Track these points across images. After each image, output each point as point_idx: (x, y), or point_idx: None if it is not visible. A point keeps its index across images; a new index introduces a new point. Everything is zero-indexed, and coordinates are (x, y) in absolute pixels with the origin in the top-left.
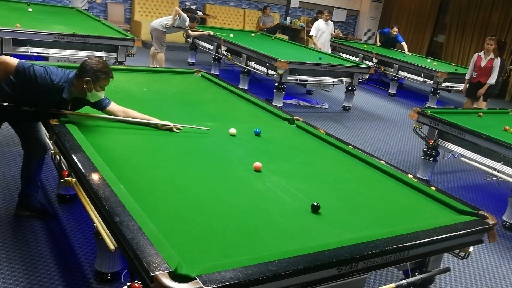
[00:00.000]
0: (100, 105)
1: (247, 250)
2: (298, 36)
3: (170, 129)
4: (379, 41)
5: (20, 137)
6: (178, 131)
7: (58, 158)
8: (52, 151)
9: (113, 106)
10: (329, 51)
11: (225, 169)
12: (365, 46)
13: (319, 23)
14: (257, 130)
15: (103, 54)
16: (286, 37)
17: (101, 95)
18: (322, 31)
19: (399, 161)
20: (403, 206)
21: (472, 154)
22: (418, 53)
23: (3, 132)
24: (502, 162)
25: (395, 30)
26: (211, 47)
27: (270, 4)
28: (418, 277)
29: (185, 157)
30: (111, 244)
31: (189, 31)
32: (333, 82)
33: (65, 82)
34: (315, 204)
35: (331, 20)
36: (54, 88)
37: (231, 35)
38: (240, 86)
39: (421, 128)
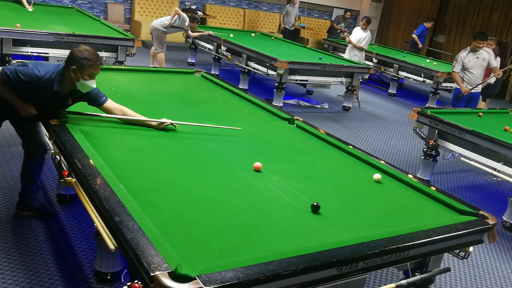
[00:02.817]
0: (98, 101)
1: (247, 250)
2: (298, 36)
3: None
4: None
5: (21, 137)
6: (175, 127)
7: (58, 158)
8: (52, 151)
9: (110, 103)
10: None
11: (225, 169)
12: None
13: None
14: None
15: (103, 54)
16: None
17: (92, 84)
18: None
19: (399, 161)
20: (403, 206)
21: (472, 154)
22: (418, 53)
23: (3, 132)
24: (502, 162)
25: (431, 24)
26: (211, 47)
27: (270, 4)
28: (418, 277)
29: (185, 157)
30: (111, 244)
31: (189, 32)
32: (358, 100)
33: (54, 75)
34: (315, 204)
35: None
36: (43, 83)
37: (231, 35)
38: (240, 86)
39: (421, 128)
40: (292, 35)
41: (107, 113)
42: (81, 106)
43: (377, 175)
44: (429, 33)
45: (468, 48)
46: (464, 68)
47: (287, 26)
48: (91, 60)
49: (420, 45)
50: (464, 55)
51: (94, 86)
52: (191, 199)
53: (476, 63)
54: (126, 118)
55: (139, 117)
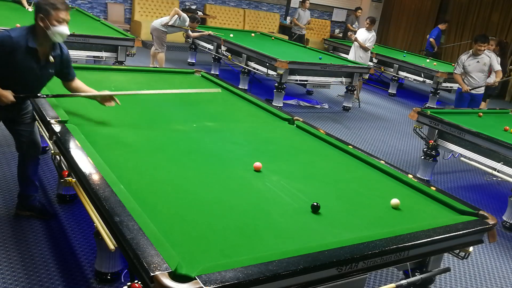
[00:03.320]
0: (71, 71)
1: (247, 250)
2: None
3: (109, 100)
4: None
5: (15, 139)
6: (113, 103)
7: (58, 158)
8: (52, 151)
9: (78, 81)
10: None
11: (225, 169)
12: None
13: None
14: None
15: (103, 54)
16: (286, 37)
17: (65, 30)
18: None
19: (399, 161)
20: (403, 206)
21: (472, 154)
22: (418, 53)
23: (3, 132)
24: (502, 162)
25: (445, 26)
26: (211, 47)
27: (270, 4)
28: (418, 277)
29: (185, 157)
30: (111, 244)
31: (189, 32)
32: (358, 100)
33: (26, 31)
34: (315, 204)
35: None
36: (17, 41)
37: (231, 35)
38: (240, 86)
39: (421, 128)
40: (303, 39)
41: (73, 91)
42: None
43: (395, 201)
44: (429, 33)
45: (470, 51)
46: (464, 71)
47: (297, 31)
48: (55, 4)
49: (436, 48)
50: (464, 58)
51: (68, 32)
52: (191, 199)
53: (476, 67)
54: (85, 95)
55: (91, 92)
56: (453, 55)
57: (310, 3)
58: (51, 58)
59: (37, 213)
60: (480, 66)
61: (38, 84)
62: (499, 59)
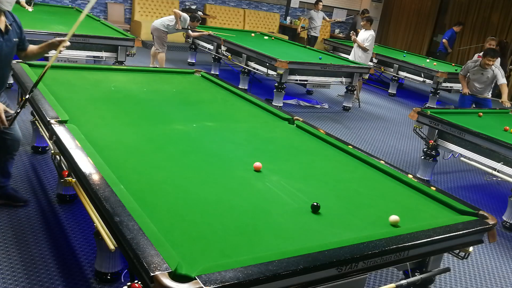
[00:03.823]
0: (26, 42)
1: (247, 250)
2: (298, 36)
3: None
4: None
5: None
6: (63, 49)
7: (58, 158)
8: (52, 151)
9: (30, 46)
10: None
11: (225, 169)
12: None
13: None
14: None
15: (103, 54)
16: (286, 37)
17: None
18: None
19: (399, 161)
20: (403, 206)
21: (472, 154)
22: (418, 53)
23: None
24: (502, 162)
25: (460, 28)
26: (211, 47)
27: (270, 4)
28: (418, 277)
29: (185, 157)
30: (111, 244)
31: (189, 32)
32: (358, 100)
33: None
34: (315, 204)
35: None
36: None
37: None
38: (240, 86)
39: (421, 128)
40: (315, 41)
41: (28, 56)
42: None
43: (395, 217)
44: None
45: (479, 61)
46: (468, 77)
47: (312, 33)
48: None
49: (450, 50)
50: (471, 66)
51: None
52: (191, 199)
53: (480, 79)
54: (52, 61)
55: (46, 48)
56: (453, 55)
57: (310, 3)
58: (9, 26)
59: (12, 201)
60: (483, 79)
61: (7, 61)
62: (499, 59)
